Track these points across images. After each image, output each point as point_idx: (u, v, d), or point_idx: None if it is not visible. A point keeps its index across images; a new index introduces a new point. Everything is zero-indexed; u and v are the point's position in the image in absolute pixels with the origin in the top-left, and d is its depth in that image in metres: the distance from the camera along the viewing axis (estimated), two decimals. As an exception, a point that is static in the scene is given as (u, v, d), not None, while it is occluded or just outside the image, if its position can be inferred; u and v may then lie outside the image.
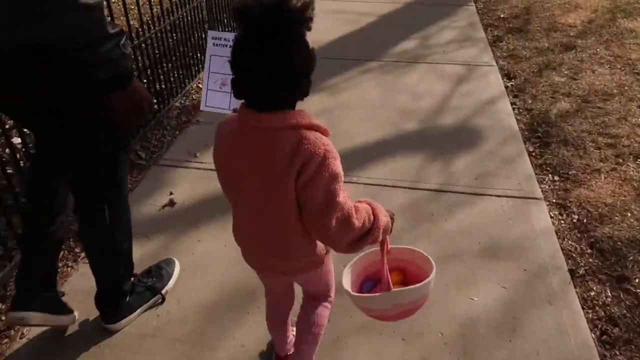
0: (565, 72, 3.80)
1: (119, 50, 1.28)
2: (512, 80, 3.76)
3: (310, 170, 1.03)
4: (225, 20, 4.22)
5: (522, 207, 2.37)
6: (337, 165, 1.06)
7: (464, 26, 4.79)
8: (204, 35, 3.84)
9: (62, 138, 1.42)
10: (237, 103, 1.22)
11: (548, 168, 2.70)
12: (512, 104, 3.35)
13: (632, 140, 2.88)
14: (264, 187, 1.09)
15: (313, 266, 1.27)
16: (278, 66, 0.98)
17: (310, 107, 1.18)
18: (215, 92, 1.60)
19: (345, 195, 1.08)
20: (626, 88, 3.52)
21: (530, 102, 3.41)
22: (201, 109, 1.65)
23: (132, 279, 1.83)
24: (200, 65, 3.75)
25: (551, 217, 2.33)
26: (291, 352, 1.56)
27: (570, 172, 2.64)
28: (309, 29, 0.99)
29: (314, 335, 1.43)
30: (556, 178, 2.62)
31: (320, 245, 1.23)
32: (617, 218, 2.31)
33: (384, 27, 4.84)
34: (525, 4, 5.38)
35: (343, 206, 1.07)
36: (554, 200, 2.46)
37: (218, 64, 1.60)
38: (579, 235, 2.24)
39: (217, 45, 1.60)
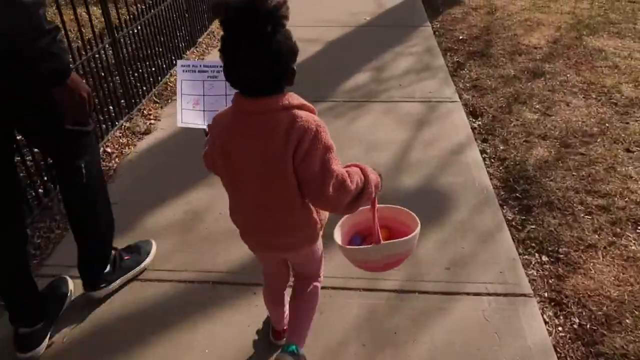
0: (537, 107, 3.35)
1: (58, 45, 1.37)
2: (479, 119, 3.28)
3: (305, 144, 1.14)
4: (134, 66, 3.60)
5: (509, 309, 1.85)
6: (329, 138, 1.17)
7: (421, 52, 4.31)
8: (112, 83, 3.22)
9: (30, 120, 1.56)
10: (209, 119, 1.43)
11: (533, 244, 2.20)
12: (481, 151, 2.86)
13: (626, 199, 2.42)
14: (264, 165, 1.18)
15: (309, 241, 1.37)
16: (261, 56, 1.08)
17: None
18: (188, 111, 1.67)
19: (338, 162, 1.19)
20: (607, 125, 3.09)
21: (502, 148, 2.93)
22: (178, 125, 1.68)
23: (114, 252, 1.97)
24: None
25: (545, 321, 1.82)
26: (286, 327, 1.63)
27: (560, 250, 2.15)
28: (284, 25, 1.09)
29: (308, 313, 1.53)
30: (544, 259, 2.12)
31: (316, 219, 1.31)
32: (628, 321, 1.82)
33: (332, 58, 4.31)
34: (485, 23, 4.97)
35: (337, 172, 1.17)
36: (546, 295, 1.95)
37: (189, 87, 1.68)
38: (584, 350, 1.74)
39: (186, 71, 1.69)
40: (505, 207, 2.43)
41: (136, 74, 3.49)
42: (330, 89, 3.67)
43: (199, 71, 1.69)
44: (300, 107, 1.17)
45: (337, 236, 1.44)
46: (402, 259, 1.43)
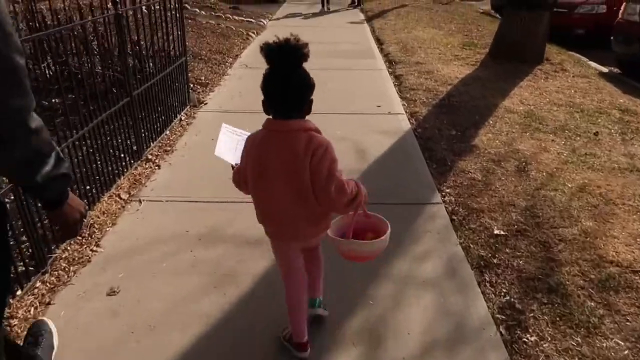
0: None
1: (58, 168, 1.26)
2: None
3: (318, 155, 1.60)
4: None
5: None
6: (334, 154, 1.64)
7: (441, 273, 2.50)
8: None
9: None
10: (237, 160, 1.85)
11: None
12: None
13: None
14: (288, 171, 1.63)
15: (325, 230, 1.80)
16: (295, 85, 1.62)
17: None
18: (224, 151, 2.06)
19: (340, 173, 1.65)
20: None
21: None
22: (215, 154, 2.08)
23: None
24: None
25: None
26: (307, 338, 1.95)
27: None
28: (306, 60, 1.60)
29: (321, 267, 2.04)
30: None
31: (326, 216, 1.77)
32: None
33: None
34: (523, 196, 3.25)
35: (338, 178, 1.63)
36: None
37: (228, 140, 2.08)
38: None
39: (226, 133, 2.10)
40: None
41: None
42: None
43: (237, 135, 2.06)
44: (316, 130, 1.66)
45: (331, 233, 1.82)
46: (375, 254, 1.86)
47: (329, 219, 1.78)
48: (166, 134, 4.30)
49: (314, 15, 12.15)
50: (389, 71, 6.59)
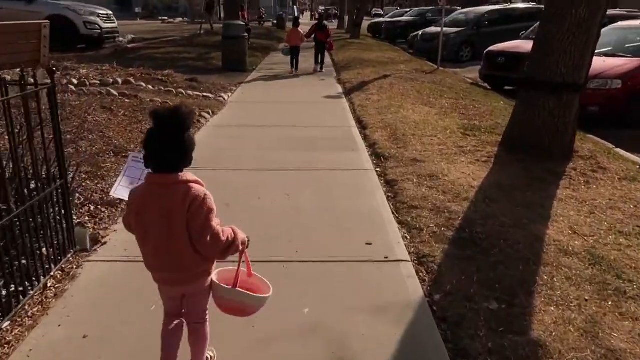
0: None
1: None
2: None
3: (195, 205, 1.76)
4: None
5: None
6: (212, 204, 1.80)
7: None
8: None
9: None
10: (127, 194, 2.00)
11: None
12: None
13: None
14: (166, 221, 1.77)
15: (201, 276, 1.92)
16: (173, 146, 1.76)
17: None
18: (124, 188, 2.24)
19: (217, 222, 1.83)
20: None
21: None
22: (110, 194, 2.44)
23: None
24: None
25: None
26: None
27: None
28: (189, 129, 1.80)
29: (203, 347, 2.08)
30: None
31: (200, 263, 1.89)
32: None
33: None
34: None
35: (214, 228, 1.80)
36: None
37: (132, 172, 2.30)
38: None
39: (134, 161, 2.32)
40: None
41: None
42: None
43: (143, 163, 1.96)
44: (194, 182, 1.80)
45: (215, 278, 1.98)
46: (251, 311, 2.02)
47: (203, 266, 1.91)
48: (7, 326, 2.46)
49: (283, 85, 10.72)
50: (377, 171, 4.96)
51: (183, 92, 8.34)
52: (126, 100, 6.97)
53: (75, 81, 7.77)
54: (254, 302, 1.98)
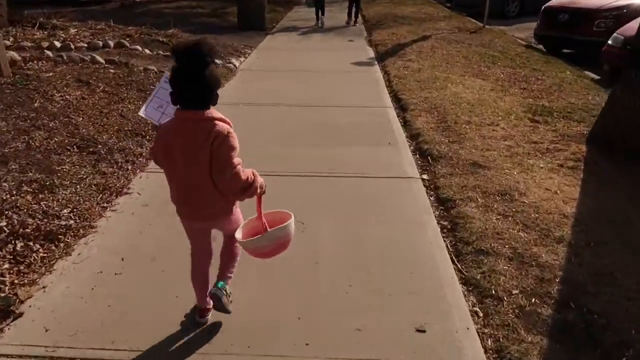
0: None
1: None
2: None
3: (218, 141, 1.80)
4: None
5: None
6: (235, 142, 1.84)
7: None
8: None
9: None
10: (165, 119, 2.09)
11: None
12: None
13: None
14: (191, 156, 1.83)
15: (224, 213, 2.00)
16: (194, 83, 1.78)
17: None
18: (154, 109, 2.19)
19: (238, 160, 1.84)
20: None
21: None
22: (139, 113, 2.31)
23: None
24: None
25: None
26: (210, 305, 2.17)
27: None
28: (212, 63, 1.81)
29: (233, 261, 2.18)
30: None
31: (225, 200, 1.94)
32: None
33: None
34: None
35: (235, 165, 1.82)
36: None
37: (163, 94, 2.16)
38: None
39: (166, 82, 2.13)
40: None
41: None
42: None
43: None
44: (220, 119, 1.84)
45: (239, 235, 2.04)
46: (284, 244, 2.05)
47: (226, 202, 1.96)
48: None
49: (306, 47, 9.25)
50: (423, 180, 3.66)
51: (185, 57, 7.03)
52: (111, 71, 5.73)
53: (58, 44, 6.55)
54: (288, 230, 2.02)
